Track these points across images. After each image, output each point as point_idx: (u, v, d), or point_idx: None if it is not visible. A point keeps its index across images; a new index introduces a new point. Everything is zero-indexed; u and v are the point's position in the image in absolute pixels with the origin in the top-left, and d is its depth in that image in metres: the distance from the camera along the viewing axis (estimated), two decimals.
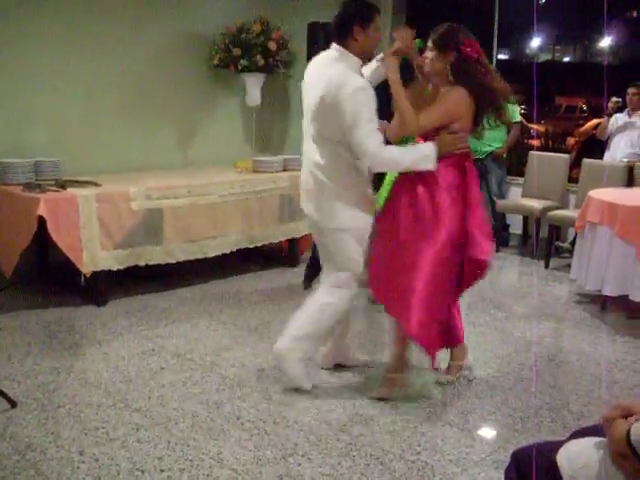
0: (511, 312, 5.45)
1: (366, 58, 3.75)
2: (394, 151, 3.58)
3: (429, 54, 3.66)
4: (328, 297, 3.82)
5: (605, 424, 1.86)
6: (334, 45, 3.63)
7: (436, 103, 3.64)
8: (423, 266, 3.55)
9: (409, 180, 3.67)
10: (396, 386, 3.86)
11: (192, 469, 3.13)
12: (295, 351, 3.83)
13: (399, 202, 3.70)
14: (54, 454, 3.22)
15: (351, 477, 3.09)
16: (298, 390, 3.92)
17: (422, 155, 3.55)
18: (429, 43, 3.66)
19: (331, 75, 3.53)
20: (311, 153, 3.73)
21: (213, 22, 6.69)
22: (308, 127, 3.73)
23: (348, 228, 3.69)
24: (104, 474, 3.07)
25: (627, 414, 1.80)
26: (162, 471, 3.11)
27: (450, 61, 3.61)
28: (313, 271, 5.35)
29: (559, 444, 2.05)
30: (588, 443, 1.98)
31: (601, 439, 1.93)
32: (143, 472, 3.10)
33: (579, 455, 1.94)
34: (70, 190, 5.13)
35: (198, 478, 3.06)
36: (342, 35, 3.59)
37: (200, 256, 5.76)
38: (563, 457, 1.96)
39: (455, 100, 3.60)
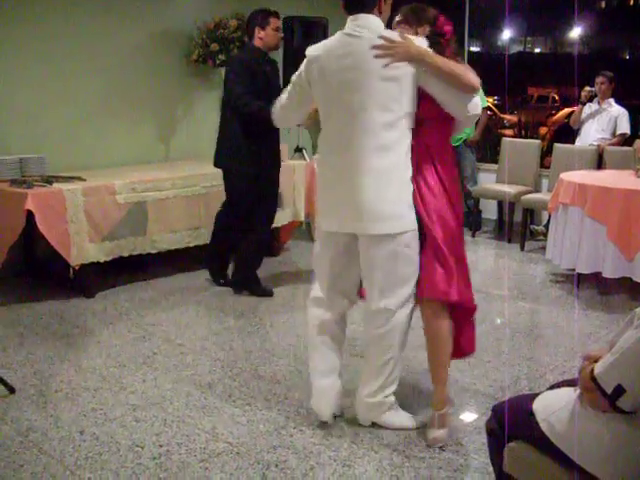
0: (488, 293, 5.62)
1: None
2: None
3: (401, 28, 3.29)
4: None
5: (579, 373, 2.05)
6: None
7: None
8: None
9: None
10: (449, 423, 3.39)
11: (189, 443, 3.28)
12: None
13: None
14: (55, 435, 3.35)
15: (342, 444, 3.26)
16: (285, 368, 4.10)
17: None
18: (399, 17, 3.32)
19: None
20: None
21: (191, 18, 6.82)
22: None
23: None
24: (105, 451, 3.21)
25: (595, 360, 1.99)
26: (160, 446, 3.25)
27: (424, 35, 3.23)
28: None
29: (536, 395, 2.23)
30: (562, 391, 2.16)
31: (573, 388, 2.11)
32: (142, 448, 3.24)
33: (553, 401, 2.12)
34: (56, 185, 5.24)
35: (195, 451, 3.21)
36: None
37: (183, 246, 5.90)
38: (539, 404, 2.14)
39: None
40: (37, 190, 5.10)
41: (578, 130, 7.40)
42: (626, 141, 7.08)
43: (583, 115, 7.25)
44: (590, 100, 7.20)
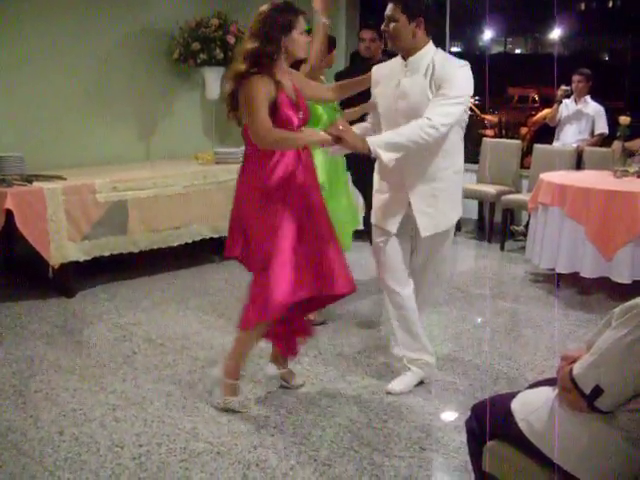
0: (468, 292, 5.65)
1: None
2: None
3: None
4: None
5: (557, 373, 2.07)
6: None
7: None
8: None
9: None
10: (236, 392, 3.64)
11: (169, 443, 3.27)
12: None
13: None
14: (34, 435, 3.33)
15: (322, 444, 3.26)
16: (265, 368, 4.09)
17: None
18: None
19: None
20: None
21: (172, 17, 6.78)
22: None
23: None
24: (84, 451, 3.20)
25: (573, 361, 2.01)
26: (140, 446, 3.24)
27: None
28: None
29: (515, 394, 2.24)
30: (541, 391, 2.18)
31: (552, 387, 2.13)
32: (122, 448, 3.23)
33: (532, 400, 2.14)
34: (36, 184, 5.21)
35: (175, 451, 3.20)
36: None
37: (164, 246, 5.88)
38: (518, 403, 2.16)
39: None
40: (16, 189, 5.07)
41: (555, 132, 7.43)
42: (604, 140, 7.13)
43: (561, 116, 7.29)
44: (567, 97, 7.24)
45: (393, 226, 3.69)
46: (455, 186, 3.70)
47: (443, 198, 3.60)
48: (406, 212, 3.64)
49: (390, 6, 3.45)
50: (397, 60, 3.58)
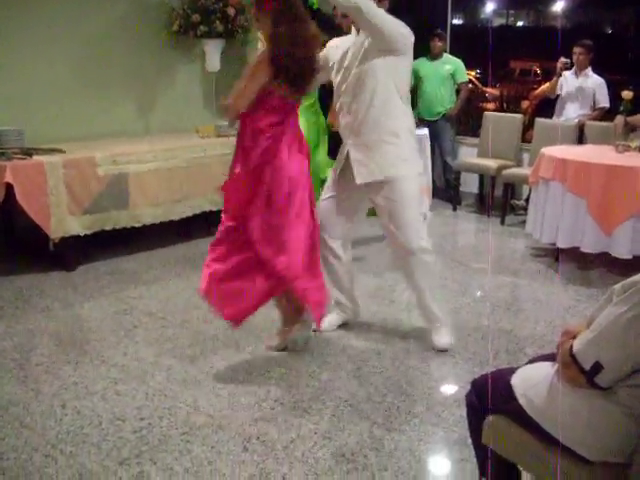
0: (469, 266, 5.66)
1: None
2: None
3: None
4: None
5: (558, 348, 2.08)
6: None
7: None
8: None
9: None
10: (286, 338, 4.01)
11: (170, 416, 3.30)
12: None
13: None
14: (36, 408, 3.35)
15: (322, 417, 3.29)
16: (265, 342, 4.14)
17: None
18: None
19: None
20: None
21: None
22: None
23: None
24: (87, 424, 3.22)
25: (574, 336, 2.02)
26: (142, 419, 3.27)
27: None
28: None
29: (515, 369, 2.25)
30: (541, 366, 2.19)
31: (551, 363, 2.14)
32: (124, 421, 3.25)
33: (532, 376, 2.15)
34: (36, 157, 5.19)
35: (176, 424, 3.23)
36: None
37: (165, 219, 5.88)
38: (518, 378, 2.17)
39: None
40: (16, 162, 5.05)
41: (556, 109, 7.35)
42: (606, 114, 7.07)
43: (563, 90, 7.19)
44: (568, 69, 7.14)
45: (338, 167, 4.03)
46: (400, 143, 3.83)
47: (379, 150, 3.81)
48: (346, 161, 3.95)
49: None
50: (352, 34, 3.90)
